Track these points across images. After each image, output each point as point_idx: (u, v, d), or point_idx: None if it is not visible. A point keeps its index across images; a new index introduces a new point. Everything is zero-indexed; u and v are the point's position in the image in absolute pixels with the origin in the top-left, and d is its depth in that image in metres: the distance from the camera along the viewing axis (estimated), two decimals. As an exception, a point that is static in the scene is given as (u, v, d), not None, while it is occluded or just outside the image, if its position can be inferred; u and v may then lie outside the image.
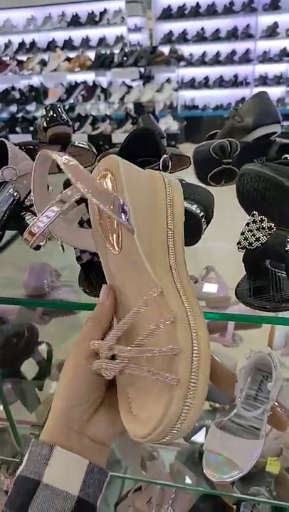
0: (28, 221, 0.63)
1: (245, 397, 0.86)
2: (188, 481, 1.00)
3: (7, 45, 4.58)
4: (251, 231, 0.48)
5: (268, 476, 0.98)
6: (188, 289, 0.37)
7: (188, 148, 0.89)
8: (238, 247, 0.49)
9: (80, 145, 0.98)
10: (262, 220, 0.47)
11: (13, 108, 4.40)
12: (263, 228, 0.47)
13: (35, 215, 0.63)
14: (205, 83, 4.51)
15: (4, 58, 4.41)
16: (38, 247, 0.64)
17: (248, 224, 0.49)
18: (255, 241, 0.47)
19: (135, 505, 1.07)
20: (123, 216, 0.36)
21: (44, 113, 0.95)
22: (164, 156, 0.58)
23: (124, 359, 0.33)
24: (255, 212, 0.48)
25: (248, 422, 0.82)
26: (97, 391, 0.36)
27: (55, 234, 0.42)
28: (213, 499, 1.06)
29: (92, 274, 0.55)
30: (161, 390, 0.32)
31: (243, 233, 0.49)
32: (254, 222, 0.48)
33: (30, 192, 0.65)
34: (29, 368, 1.03)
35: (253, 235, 0.48)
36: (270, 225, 0.47)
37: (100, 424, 0.37)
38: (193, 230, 0.63)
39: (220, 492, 0.95)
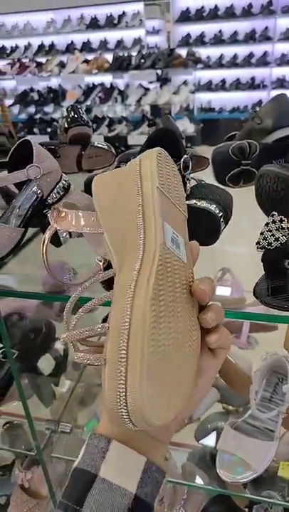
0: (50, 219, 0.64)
1: (261, 399, 0.86)
2: (199, 481, 1.00)
3: (27, 48, 4.65)
4: (270, 231, 0.49)
5: (281, 481, 0.97)
6: (154, 264, 0.33)
7: (204, 151, 0.90)
8: (257, 247, 0.50)
9: (99, 145, 1.00)
10: (281, 220, 0.48)
11: (32, 109, 4.46)
12: (283, 228, 0.48)
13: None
14: (222, 86, 4.50)
15: (24, 60, 4.47)
16: (59, 244, 0.65)
17: (267, 224, 0.49)
18: (274, 241, 0.48)
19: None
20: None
21: (65, 114, 0.97)
22: (185, 156, 0.59)
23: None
24: (274, 213, 0.49)
25: (263, 424, 0.82)
26: None
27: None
28: (225, 501, 1.05)
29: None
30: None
31: (262, 233, 0.49)
32: (273, 222, 0.49)
33: (53, 189, 0.67)
34: (46, 363, 1.04)
35: (273, 235, 0.48)
36: (290, 225, 0.47)
37: None
38: (211, 230, 0.64)
39: (231, 492, 0.95)
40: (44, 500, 1.06)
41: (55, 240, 0.64)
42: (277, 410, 0.81)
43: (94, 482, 0.32)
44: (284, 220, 0.48)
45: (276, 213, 0.49)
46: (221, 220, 0.63)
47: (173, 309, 0.32)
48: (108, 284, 0.55)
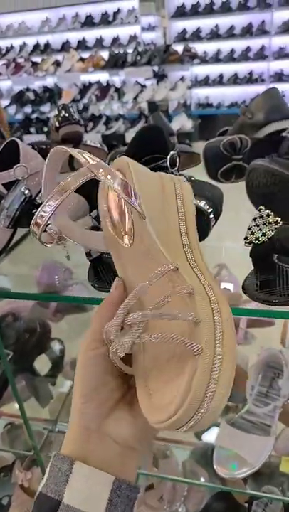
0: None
1: (257, 394, 0.86)
2: (200, 478, 1.00)
3: (22, 47, 4.64)
4: (258, 226, 0.48)
5: (281, 476, 0.97)
6: (205, 271, 0.36)
7: (202, 147, 0.89)
8: (245, 242, 0.49)
9: (91, 144, 0.99)
10: (268, 215, 0.47)
11: (28, 109, 4.45)
12: (270, 223, 0.47)
13: (47, 213, 0.65)
14: (219, 81, 4.48)
15: (19, 60, 4.47)
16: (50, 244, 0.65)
17: (254, 219, 0.49)
18: (261, 236, 0.47)
19: (147, 502, 1.08)
20: (134, 200, 0.36)
21: (56, 113, 0.97)
22: (172, 152, 0.59)
23: (138, 327, 0.30)
24: (261, 207, 0.48)
25: (259, 419, 0.82)
26: (110, 383, 0.34)
27: (69, 237, 0.42)
28: (226, 498, 1.05)
29: (101, 269, 0.56)
30: (182, 365, 0.29)
31: (249, 228, 0.49)
32: (261, 217, 0.48)
33: (41, 190, 0.66)
34: (42, 364, 1.04)
35: (260, 230, 0.48)
36: (277, 220, 0.47)
37: (120, 423, 0.33)
38: (201, 226, 0.63)
39: (231, 488, 0.95)
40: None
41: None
42: (273, 405, 0.81)
43: (58, 510, 0.30)
44: (271, 215, 0.47)
45: (263, 208, 0.49)
46: (211, 216, 0.62)
47: None
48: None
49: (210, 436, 1.03)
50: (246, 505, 1.02)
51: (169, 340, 0.29)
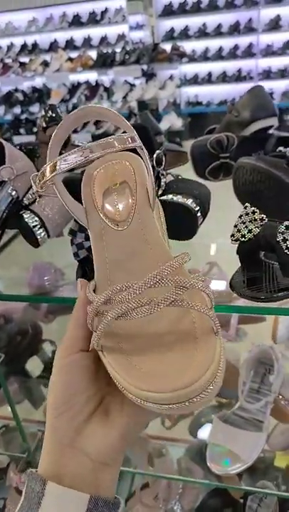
0: (26, 219, 0.64)
1: (248, 390, 0.86)
2: (195, 476, 1.00)
3: (9, 48, 4.61)
4: (244, 223, 0.48)
5: (276, 471, 0.98)
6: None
7: (192, 145, 0.89)
8: (232, 240, 0.49)
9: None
10: (254, 212, 0.48)
11: (17, 110, 4.42)
12: (255, 220, 0.47)
13: (34, 214, 0.65)
14: (208, 79, 4.49)
15: (7, 60, 4.43)
16: (37, 244, 0.65)
17: (240, 216, 0.49)
18: (247, 233, 0.48)
19: (143, 501, 1.08)
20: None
21: (43, 113, 0.96)
22: (158, 151, 0.59)
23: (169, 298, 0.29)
24: (247, 204, 0.49)
25: (251, 415, 0.83)
26: (83, 393, 0.32)
27: (61, 197, 0.40)
28: (221, 494, 1.06)
29: (88, 268, 0.56)
30: (190, 340, 0.29)
31: (236, 225, 0.49)
32: (247, 214, 0.49)
33: (28, 190, 0.66)
34: (34, 365, 1.04)
35: (246, 227, 0.48)
36: (262, 217, 0.47)
37: (94, 437, 0.31)
38: (189, 225, 0.63)
39: (226, 485, 0.96)
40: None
41: (33, 240, 0.64)
42: (265, 401, 0.81)
43: None
44: (256, 212, 0.48)
45: (249, 205, 0.49)
46: (198, 214, 0.62)
47: None
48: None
49: (204, 434, 1.03)
50: (241, 500, 1.02)
51: (199, 310, 0.29)
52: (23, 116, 4.35)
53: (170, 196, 0.62)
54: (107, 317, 0.30)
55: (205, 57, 4.41)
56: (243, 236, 0.48)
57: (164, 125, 3.78)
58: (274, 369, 0.83)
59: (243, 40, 4.33)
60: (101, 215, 0.41)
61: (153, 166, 0.58)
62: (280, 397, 0.83)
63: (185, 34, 4.39)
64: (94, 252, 0.39)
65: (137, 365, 0.29)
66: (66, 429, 0.31)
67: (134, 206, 0.40)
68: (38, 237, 0.64)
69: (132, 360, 0.30)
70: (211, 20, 4.32)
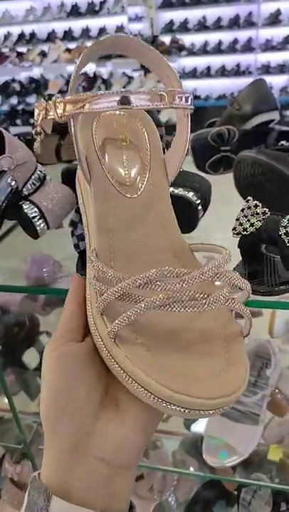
0: (26, 210, 0.63)
1: (245, 383, 0.87)
2: (190, 468, 1.01)
3: (6, 37, 4.54)
4: (246, 216, 0.48)
5: (269, 464, 0.99)
6: None
7: (190, 139, 0.89)
8: (233, 233, 0.49)
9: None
10: (256, 206, 0.47)
11: (14, 100, 4.38)
12: (257, 214, 0.47)
13: (34, 205, 0.64)
14: (207, 73, 4.46)
15: (4, 50, 4.38)
16: (36, 236, 0.64)
17: (243, 210, 0.49)
18: (249, 226, 0.48)
19: (137, 493, 1.09)
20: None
21: (42, 103, 0.95)
22: (160, 143, 0.58)
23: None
24: (249, 198, 0.49)
25: (248, 408, 0.83)
26: (81, 385, 0.27)
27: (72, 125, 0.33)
28: (215, 486, 1.07)
29: (89, 261, 0.55)
30: (224, 344, 0.27)
31: (238, 219, 0.49)
32: (248, 207, 0.48)
33: (28, 181, 0.65)
34: (31, 357, 1.04)
35: (248, 221, 0.48)
36: (264, 210, 0.47)
37: (106, 434, 0.26)
38: (189, 218, 0.63)
39: (220, 477, 0.97)
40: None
41: (32, 231, 0.63)
42: (261, 394, 0.82)
43: None
44: (258, 205, 0.48)
45: (251, 198, 0.49)
46: (199, 207, 0.62)
47: None
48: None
49: (199, 427, 1.04)
50: (235, 492, 1.03)
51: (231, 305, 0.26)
52: (20, 107, 4.30)
53: (170, 189, 0.62)
54: (144, 303, 0.24)
55: (204, 50, 4.39)
56: (245, 229, 0.48)
57: (162, 118, 3.76)
58: (271, 363, 0.83)
59: (243, 35, 4.30)
60: (106, 172, 0.34)
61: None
62: (277, 390, 0.84)
63: (184, 27, 4.36)
64: (93, 214, 0.33)
65: (160, 362, 0.25)
66: (70, 431, 0.26)
67: (147, 172, 0.35)
68: (38, 228, 0.63)
69: (155, 355, 0.25)
70: (211, 13, 4.28)
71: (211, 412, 0.23)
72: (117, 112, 0.39)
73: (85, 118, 0.37)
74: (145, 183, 0.35)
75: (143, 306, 0.24)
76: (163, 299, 0.24)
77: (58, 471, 0.26)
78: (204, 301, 0.25)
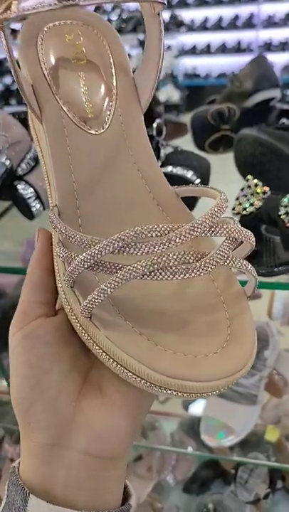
0: (21, 191, 0.62)
1: (243, 365, 0.87)
2: (188, 449, 1.03)
3: None
4: (246, 196, 0.47)
5: (267, 443, 1.00)
6: None
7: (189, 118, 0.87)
8: (233, 213, 0.48)
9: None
10: (256, 185, 0.46)
11: (7, 80, 4.28)
12: (257, 193, 0.46)
13: (29, 185, 0.63)
14: (207, 50, 4.36)
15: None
16: (31, 216, 0.63)
17: (242, 189, 0.48)
18: (249, 206, 0.46)
19: (136, 472, 1.10)
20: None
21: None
22: (158, 120, 0.57)
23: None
24: (249, 177, 0.47)
25: (245, 389, 0.83)
26: (54, 369, 0.23)
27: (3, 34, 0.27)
28: (213, 465, 1.09)
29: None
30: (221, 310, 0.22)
31: (237, 198, 0.48)
32: (249, 186, 0.47)
33: (22, 160, 0.64)
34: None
35: (248, 200, 0.47)
36: (264, 190, 0.45)
37: (90, 423, 0.22)
38: (188, 198, 0.62)
39: (218, 456, 0.98)
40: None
41: (27, 212, 0.62)
42: (259, 375, 0.82)
43: None
44: (258, 185, 0.46)
45: (251, 177, 0.47)
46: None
47: None
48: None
49: (197, 408, 1.05)
50: (233, 471, 1.05)
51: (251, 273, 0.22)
52: (14, 87, 4.22)
53: (169, 168, 0.60)
54: (122, 273, 0.20)
55: (204, 27, 4.27)
56: (245, 209, 0.47)
57: (161, 97, 3.69)
58: (269, 344, 0.83)
59: (244, 10, 4.18)
60: (61, 104, 0.27)
61: (153, 136, 0.56)
62: (275, 372, 0.84)
63: (184, 2, 4.23)
64: (51, 161, 0.26)
65: (150, 341, 0.21)
66: (46, 423, 0.23)
67: (113, 99, 0.28)
68: (33, 208, 0.62)
69: (143, 333, 0.21)
70: (211, -12, 4.16)
71: (210, 393, 0.20)
72: (68, 22, 0.30)
73: (26, 33, 0.30)
74: (112, 113, 0.27)
75: (121, 276, 0.20)
76: (145, 265, 0.19)
77: (37, 467, 0.23)
78: (197, 264, 0.20)
